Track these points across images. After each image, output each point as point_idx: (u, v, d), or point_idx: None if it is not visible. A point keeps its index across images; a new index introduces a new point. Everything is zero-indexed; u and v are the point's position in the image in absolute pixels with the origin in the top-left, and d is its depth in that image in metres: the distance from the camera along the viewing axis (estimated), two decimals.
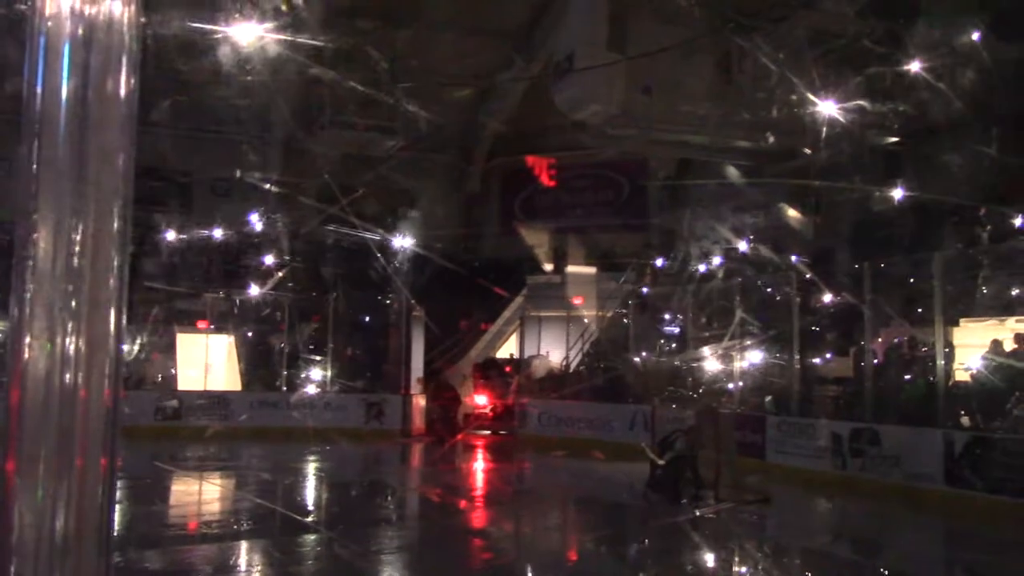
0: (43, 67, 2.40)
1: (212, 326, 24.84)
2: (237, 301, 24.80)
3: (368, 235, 23.37)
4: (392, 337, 26.01)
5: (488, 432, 25.30)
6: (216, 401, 23.39)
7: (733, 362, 20.26)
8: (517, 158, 28.84)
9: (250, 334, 25.60)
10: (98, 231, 2.45)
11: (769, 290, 21.60)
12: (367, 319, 26.66)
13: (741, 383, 20.21)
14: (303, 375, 24.57)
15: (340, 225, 23.76)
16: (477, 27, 25.49)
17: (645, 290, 25.49)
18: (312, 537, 12.09)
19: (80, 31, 2.42)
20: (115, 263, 2.46)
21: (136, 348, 24.09)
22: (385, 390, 24.97)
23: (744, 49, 21.52)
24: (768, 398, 19.58)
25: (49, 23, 2.36)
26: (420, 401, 25.18)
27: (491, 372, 26.10)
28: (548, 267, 28.75)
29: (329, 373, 24.53)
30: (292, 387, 24.17)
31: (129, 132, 2.49)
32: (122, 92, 2.42)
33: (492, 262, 27.99)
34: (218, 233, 25.11)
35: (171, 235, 24.49)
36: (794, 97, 19.79)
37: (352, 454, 21.42)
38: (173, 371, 24.65)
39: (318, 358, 24.64)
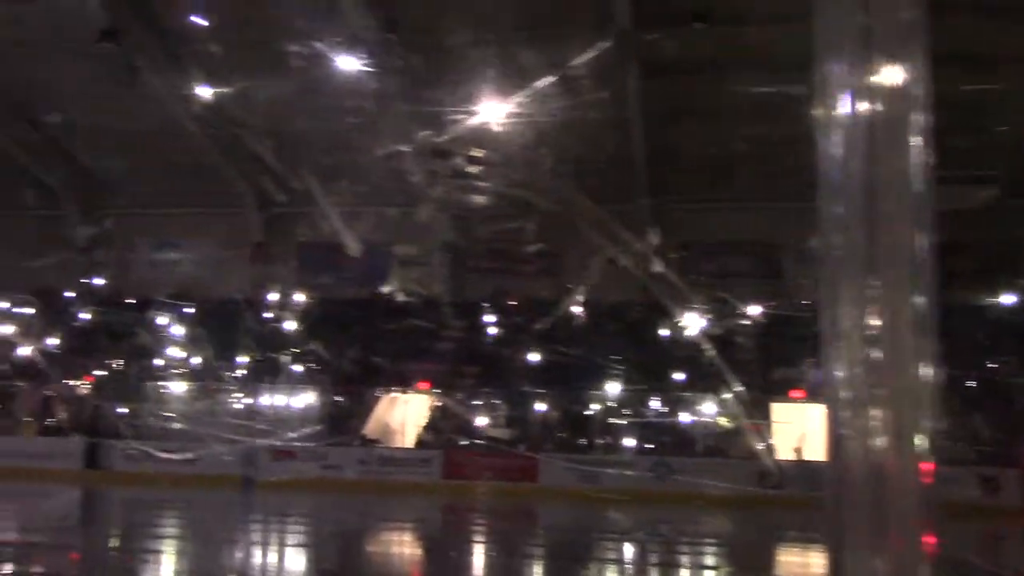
0: (834, 159, 2.56)
1: (807, 395, 24.79)
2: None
3: (968, 295, 21.76)
4: (1010, 404, 23.71)
5: None
6: (811, 471, 23.14)
7: None
8: None
9: None
10: (896, 308, 2.52)
11: None
12: (978, 385, 24.62)
13: None
14: None
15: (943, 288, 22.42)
16: None
17: None
18: None
19: (865, 121, 2.54)
20: (915, 342, 2.49)
21: (728, 419, 25.00)
22: (1001, 463, 22.71)
23: None
24: None
25: (838, 116, 2.51)
26: None
27: None
28: None
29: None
30: None
31: (923, 209, 2.52)
32: (911, 170, 2.47)
33: None
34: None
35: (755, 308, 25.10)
36: None
37: (965, 532, 19.70)
38: (768, 441, 24.95)
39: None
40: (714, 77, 22.95)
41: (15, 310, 29.27)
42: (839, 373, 2.36)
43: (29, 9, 23.96)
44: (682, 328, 24.67)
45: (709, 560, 15.33)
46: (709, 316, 23.98)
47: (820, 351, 2.41)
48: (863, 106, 2.41)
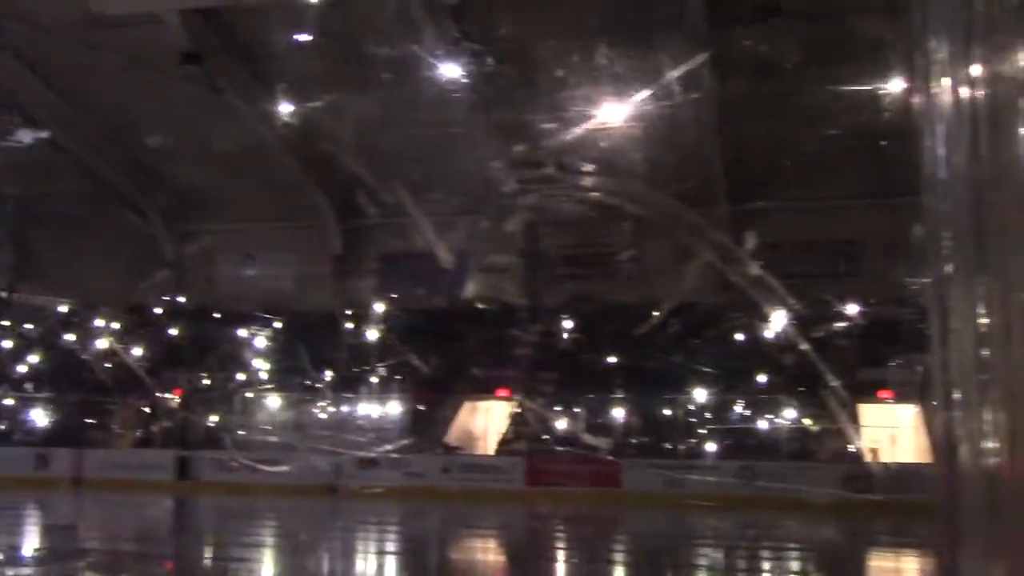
0: (937, 150, 2.49)
1: (895, 396, 24.17)
2: (921, 370, 23.77)
3: None
4: None
5: None
6: (905, 474, 22.48)
7: None
8: None
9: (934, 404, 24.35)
10: (1007, 306, 2.42)
11: None
12: None
13: None
14: None
15: None
16: None
17: None
18: None
19: (970, 109, 2.47)
20: None
21: (815, 422, 24.55)
22: None
23: None
24: None
25: (940, 106, 2.45)
26: None
27: None
28: None
29: None
30: None
31: None
32: (1020, 159, 2.37)
33: None
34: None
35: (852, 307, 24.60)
36: None
37: None
38: (857, 443, 24.35)
39: None
40: (792, 75, 22.59)
41: (110, 325, 30.16)
42: (949, 374, 2.27)
43: (115, 34, 24.75)
44: (768, 330, 24.25)
45: (800, 566, 15.04)
46: (798, 317, 23.52)
47: (929, 351, 2.33)
48: (967, 94, 2.33)
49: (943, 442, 2.31)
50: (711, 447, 24.76)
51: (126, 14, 23.77)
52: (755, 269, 22.53)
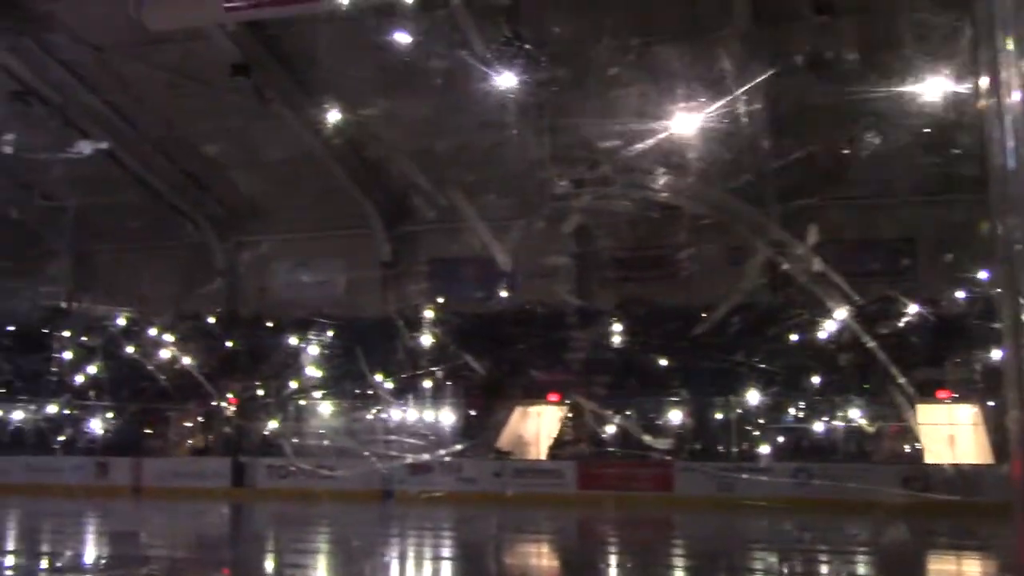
0: (1003, 144, 2.44)
1: (954, 396, 23.71)
2: (980, 368, 23.29)
3: None
4: None
5: None
6: (965, 475, 22.04)
7: None
8: None
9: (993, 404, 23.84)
10: None
11: None
12: None
13: None
14: None
15: None
16: None
17: None
18: None
19: None
20: None
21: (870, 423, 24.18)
22: None
23: None
24: None
25: (1007, 101, 2.39)
26: None
27: None
28: None
29: None
30: None
31: None
32: None
33: None
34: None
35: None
36: None
37: None
38: (916, 444, 23.93)
39: None
40: (846, 70, 22.30)
41: (164, 336, 30.64)
42: (1022, 370, 2.22)
43: (165, 49, 25.20)
44: (825, 329, 23.83)
45: (864, 569, 14.83)
46: (858, 315, 23.09)
47: (997, 347, 2.28)
48: None
49: (1018, 441, 2.26)
50: (765, 449, 24.46)
51: (177, 29, 24.21)
52: (816, 266, 22.13)
